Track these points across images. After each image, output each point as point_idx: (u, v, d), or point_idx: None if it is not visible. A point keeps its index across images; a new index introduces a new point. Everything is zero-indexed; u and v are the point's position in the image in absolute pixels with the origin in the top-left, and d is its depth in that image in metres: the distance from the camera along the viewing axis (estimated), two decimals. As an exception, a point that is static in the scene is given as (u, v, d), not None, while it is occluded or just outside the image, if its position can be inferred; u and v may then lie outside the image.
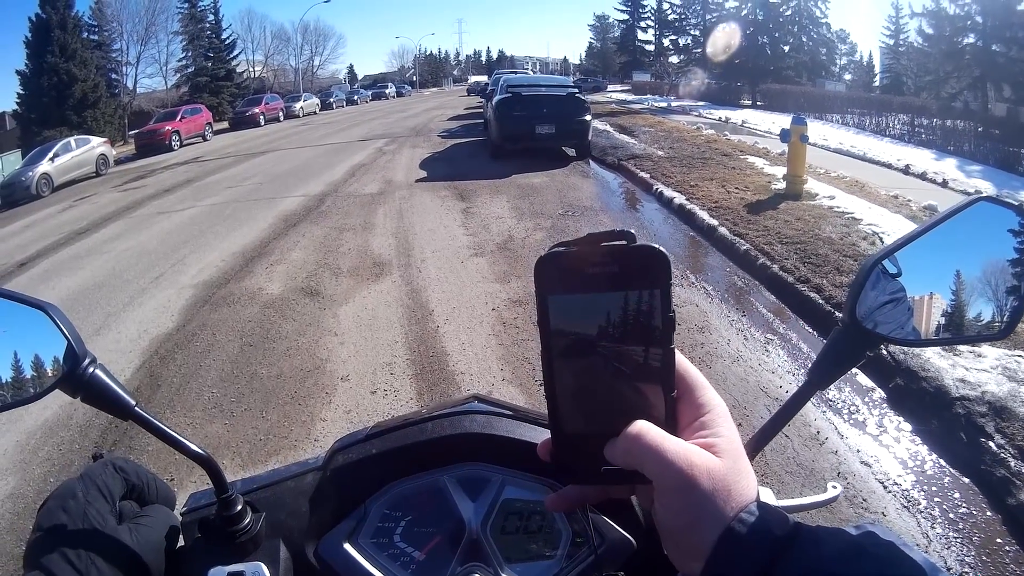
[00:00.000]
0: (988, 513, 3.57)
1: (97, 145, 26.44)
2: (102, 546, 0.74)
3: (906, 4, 48.84)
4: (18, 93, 42.73)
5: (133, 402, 0.81)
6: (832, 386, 4.79)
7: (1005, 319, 0.87)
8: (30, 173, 22.32)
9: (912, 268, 0.88)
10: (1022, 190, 13.79)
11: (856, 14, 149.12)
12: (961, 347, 4.92)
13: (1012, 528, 3.42)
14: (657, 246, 0.60)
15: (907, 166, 15.38)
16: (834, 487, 0.99)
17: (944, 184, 13.65)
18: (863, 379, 5.04)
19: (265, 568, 0.82)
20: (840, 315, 0.86)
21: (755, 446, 0.87)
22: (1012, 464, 3.72)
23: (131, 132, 41.78)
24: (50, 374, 0.85)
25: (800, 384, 0.84)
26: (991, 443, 3.92)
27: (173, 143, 31.00)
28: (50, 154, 23.67)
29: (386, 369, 5.34)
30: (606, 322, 0.60)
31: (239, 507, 0.85)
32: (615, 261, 0.60)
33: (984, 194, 1.00)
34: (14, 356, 0.88)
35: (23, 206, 20.48)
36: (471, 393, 1.09)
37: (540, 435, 0.89)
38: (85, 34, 47.58)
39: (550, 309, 0.62)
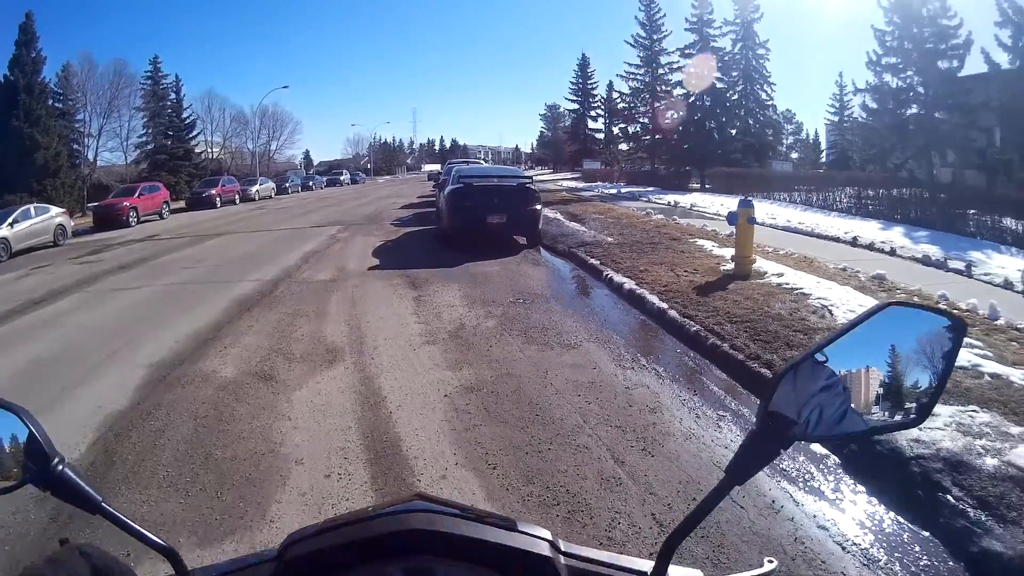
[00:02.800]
0: (950, 563, 3.74)
1: (56, 215, 26.31)
2: None
3: (850, 81, 50.43)
4: (-20, 154, 42.23)
5: (100, 498, 0.94)
6: (787, 456, 5.02)
7: (919, 408, 0.99)
8: (-12, 236, 22.16)
9: (828, 370, 1.02)
10: (969, 250, 14.39)
11: (801, 93, 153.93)
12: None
13: (975, 573, 3.62)
14: None
15: (855, 238, 16.04)
16: (770, 561, 1.05)
17: (892, 252, 14.20)
18: (817, 447, 5.23)
19: None
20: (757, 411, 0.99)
21: (676, 538, 0.98)
22: (971, 514, 3.93)
23: (90, 204, 41.36)
24: (22, 471, 0.99)
25: (718, 482, 0.99)
26: (949, 496, 4.14)
27: (130, 219, 30.88)
28: (9, 219, 23.46)
29: (340, 453, 5.44)
30: None
31: None
32: None
33: (893, 300, 1.15)
34: None
35: (-22, 270, 20.30)
36: (415, 492, 1.19)
37: (478, 529, 0.98)
38: (50, 101, 47.36)
39: None
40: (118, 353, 8.81)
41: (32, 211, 25.23)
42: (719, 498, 0.96)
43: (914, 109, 32.95)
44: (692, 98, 51.61)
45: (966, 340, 6.56)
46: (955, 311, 7.83)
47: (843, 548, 3.95)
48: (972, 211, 19.48)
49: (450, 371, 7.38)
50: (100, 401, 7.04)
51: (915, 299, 8.62)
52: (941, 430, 4.87)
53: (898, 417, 1.00)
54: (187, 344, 9.00)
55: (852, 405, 1.00)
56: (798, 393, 0.98)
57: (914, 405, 1.00)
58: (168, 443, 5.88)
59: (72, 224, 28.08)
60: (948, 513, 4.02)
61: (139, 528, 0.94)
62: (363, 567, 0.96)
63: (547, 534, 0.98)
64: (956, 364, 1.08)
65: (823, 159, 75.26)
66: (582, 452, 5.31)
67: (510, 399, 6.49)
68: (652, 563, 0.99)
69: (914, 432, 4.79)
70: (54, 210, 26.84)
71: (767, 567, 1.04)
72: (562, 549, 0.99)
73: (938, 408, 5.08)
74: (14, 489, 0.97)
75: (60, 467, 0.94)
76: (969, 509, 3.98)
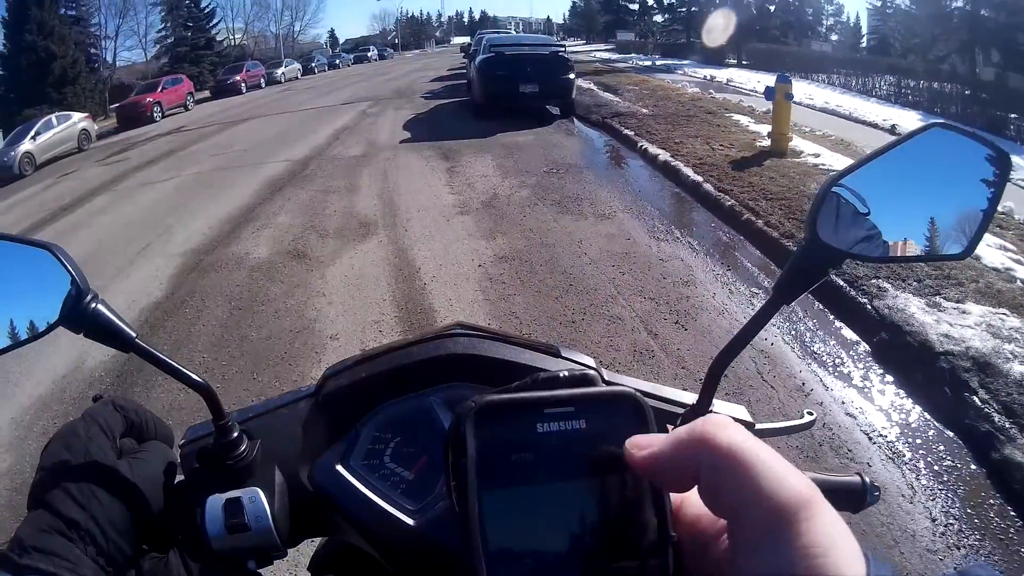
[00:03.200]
0: (972, 467, 3.63)
1: (78, 120, 26.17)
2: (102, 479, 0.76)
3: None
4: (-2, 75, 42.32)
5: (134, 334, 0.83)
6: (818, 339, 4.91)
7: (965, 241, 0.91)
8: (12, 153, 22.02)
9: (871, 190, 0.91)
10: (1011, 155, 13.77)
11: None
12: (945, 302, 5.01)
13: (995, 482, 3.49)
14: (633, 392, 0.50)
15: (893, 126, 15.31)
16: (809, 413, 1.01)
17: None
18: (848, 333, 5.13)
19: (261, 493, 0.84)
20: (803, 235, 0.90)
21: (723, 360, 0.89)
22: (996, 419, 3.80)
23: (112, 106, 41.35)
24: (56, 312, 0.88)
25: (766, 300, 0.87)
26: (975, 398, 4.01)
27: (155, 114, 30.73)
28: (31, 132, 23.37)
29: (374, 327, 5.40)
30: (578, 532, 0.46)
31: (235, 434, 0.87)
32: (580, 413, 0.48)
33: (937, 121, 1.03)
34: (20, 296, 0.91)
35: (6, 186, 20.36)
36: (455, 321, 1.11)
37: (521, 355, 0.92)
38: (62, 10, 46.91)
39: (487, 520, 0.46)
40: (151, 246, 8.76)
41: (54, 121, 25.12)
42: (766, 319, 0.85)
43: (959, 2, 31.73)
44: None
45: (1000, 242, 6.33)
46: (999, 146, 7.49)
47: (870, 439, 3.88)
48: (1014, 115, 18.80)
49: (484, 241, 7.27)
50: (134, 295, 7.03)
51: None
52: (971, 328, 4.70)
53: (943, 247, 0.93)
54: (219, 229, 8.94)
55: (897, 228, 0.94)
56: (843, 211, 0.90)
57: (959, 237, 0.92)
58: (204, 329, 5.88)
59: (96, 127, 28.01)
60: (973, 415, 3.92)
61: (175, 364, 0.84)
62: (402, 397, 0.93)
63: (591, 361, 0.93)
64: (989, 264, 0.93)
65: (863, 43, 73.19)
66: (616, 323, 5.26)
67: (544, 269, 6.40)
68: (696, 395, 0.92)
69: (943, 327, 4.68)
70: (76, 116, 26.72)
71: (806, 418, 1.01)
72: (605, 378, 0.92)
73: (969, 306, 4.99)
74: (47, 333, 0.86)
75: (93, 304, 0.83)
76: (994, 414, 3.86)
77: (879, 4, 66.72)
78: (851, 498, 0.89)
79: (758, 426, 0.96)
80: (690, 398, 0.95)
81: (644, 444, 0.46)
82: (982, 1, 30.08)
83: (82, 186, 15.43)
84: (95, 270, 8.04)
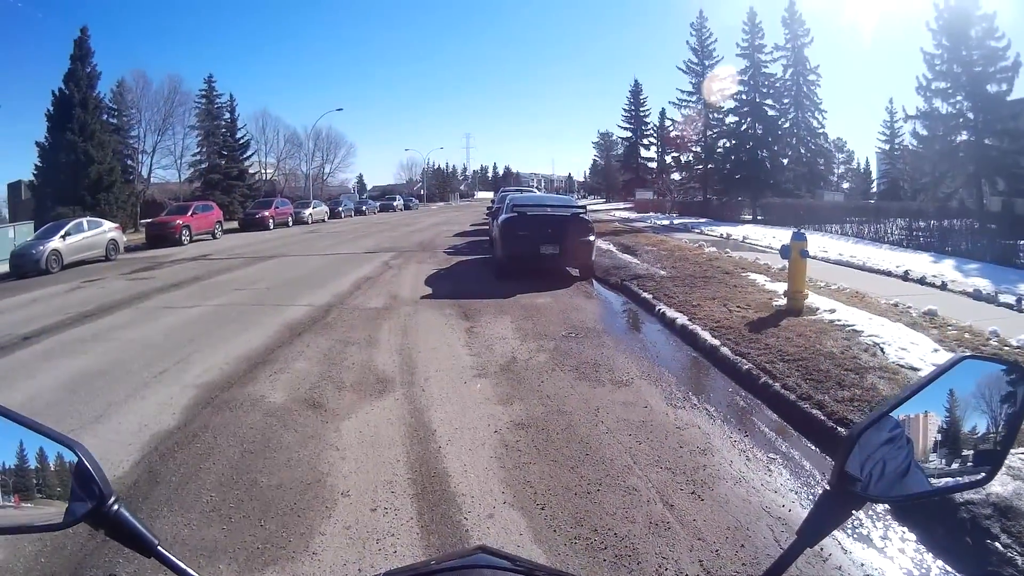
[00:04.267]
0: None
1: (109, 229, 26.80)
2: None
3: (900, 108, 50.37)
4: (36, 165, 43.29)
5: (156, 541, 0.86)
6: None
7: (989, 465, 0.93)
8: (41, 247, 22.57)
9: (900, 430, 0.94)
10: (1019, 283, 14.24)
11: (852, 121, 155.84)
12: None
13: None
14: None
15: (906, 272, 15.71)
16: None
17: (943, 287, 13.92)
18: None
19: None
20: (828, 476, 0.91)
21: None
22: (1020, 562, 3.78)
23: (142, 221, 42.10)
24: (77, 507, 0.91)
25: (790, 542, 0.88)
26: (997, 543, 3.98)
27: (183, 237, 31.38)
28: (62, 231, 23.99)
29: (387, 487, 5.33)
30: None
31: None
32: None
33: (968, 353, 1.08)
34: (43, 485, 0.94)
35: (31, 279, 20.62)
36: (478, 544, 1.10)
37: None
38: (104, 116, 48.26)
39: None
40: (167, 372, 8.82)
41: (85, 225, 25.76)
42: (789, 562, 0.90)
43: (964, 136, 33.24)
44: (744, 126, 51.71)
45: (1014, 375, 6.34)
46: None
47: (890, 600, 3.77)
48: (1023, 241, 19.19)
49: (501, 406, 7.26)
50: (146, 420, 7.02)
51: (985, 349, 8.30)
52: (991, 473, 4.70)
53: (967, 476, 0.97)
54: (237, 367, 8.98)
55: (924, 464, 0.97)
56: (872, 453, 0.93)
57: (984, 459, 0.96)
58: (213, 467, 5.82)
59: (124, 240, 28.60)
60: (996, 561, 3.90)
61: (194, 574, 0.88)
62: None
63: None
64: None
65: (874, 188, 75.07)
66: (631, 494, 5.17)
67: (561, 437, 6.35)
68: None
69: (964, 475, 4.68)
70: (107, 225, 27.36)
71: None
72: None
73: (987, 449, 5.01)
74: (68, 526, 0.92)
75: (116, 507, 0.89)
76: (1017, 557, 3.85)
77: (888, 148, 68.82)
78: None
79: None
80: None
81: None
82: (985, 131, 31.03)
83: (106, 296, 15.85)
84: (108, 385, 8.23)
